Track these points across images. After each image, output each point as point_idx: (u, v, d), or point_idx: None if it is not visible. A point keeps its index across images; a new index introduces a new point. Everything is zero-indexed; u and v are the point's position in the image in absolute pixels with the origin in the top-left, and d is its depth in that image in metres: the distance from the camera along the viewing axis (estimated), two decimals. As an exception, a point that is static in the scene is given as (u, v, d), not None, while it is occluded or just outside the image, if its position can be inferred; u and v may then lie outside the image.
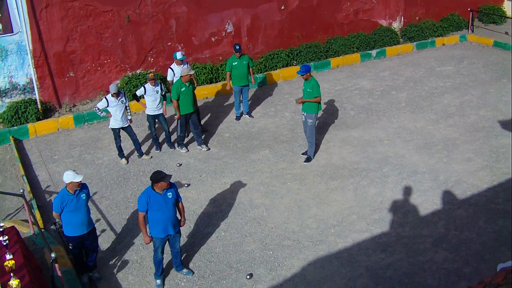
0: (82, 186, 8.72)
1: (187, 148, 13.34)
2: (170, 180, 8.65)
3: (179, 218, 9.00)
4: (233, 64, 14.35)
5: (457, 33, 21.63)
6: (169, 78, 13.75)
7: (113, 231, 10.42)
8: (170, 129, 13.70)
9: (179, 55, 13.64)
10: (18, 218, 10.89)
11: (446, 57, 19.34)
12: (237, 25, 17.61)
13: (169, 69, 13.75)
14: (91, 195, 11.42)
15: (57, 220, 8.95)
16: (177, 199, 8.76)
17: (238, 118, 15.01)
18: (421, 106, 15.18)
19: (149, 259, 9.47)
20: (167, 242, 8.87)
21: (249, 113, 15.17)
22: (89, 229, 8.82)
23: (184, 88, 12.59)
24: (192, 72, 12.70)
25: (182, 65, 13.61)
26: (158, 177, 8.35)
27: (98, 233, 10.16)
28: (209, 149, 13.41)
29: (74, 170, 8.69)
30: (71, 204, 8.48)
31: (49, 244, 9.25)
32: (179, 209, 8.95)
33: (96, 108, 12.30)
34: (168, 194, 8.54)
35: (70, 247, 8.85)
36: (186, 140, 13.60)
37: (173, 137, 13.71)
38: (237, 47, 14.21)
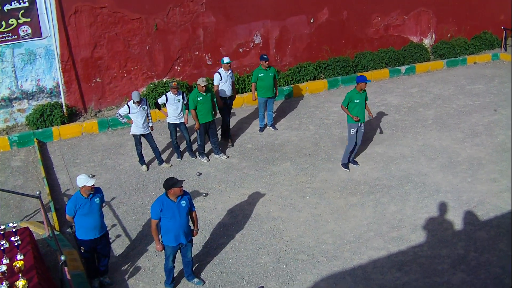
0: (96, 191, 8.74)
1: (208, 157, 13.30)
2: (188, 190, 8.64)
3: (192, 227, 8.95)
4: (259, 75, 14.29)
5: (489, 51, 21.26)
6: (215, 82, 13.74)
7: (128, 237, 10.40)
8: (191, 138, 13.67)
9: (226, 59, 13.74)
10: (36, 219, 10.98)
11: (477, 76, 18.99)
12: (265, 37, 17.58)
13: (216, 73, 13.77)
14: (109, 200, 11.51)
15: (73, 223, 8.97)
16: (191, 208, 8.71)
17: (261, 129, 14.94)
18: (448, 124, 14.90)
19: (161, 267, 9.41)
20: (179, 250, 8.81)
21: (273, 125, 15.08)
22: (101, 234, 8.81)
23: (201, 97, 12.57)
24: (207, 83, 12.65)
25: (228, 70, 13.71)
26: (170, 183, 8.31)
27: (112, 238, 10.22)
28: (228, 156, 13.39)
29: (89, 174, 8.71)
30: (84, 207, 8.50)
31: (63, 247, 9.30)
32: (192, 218, 8.89)
33: (118, 114, 12.36)
34: (182, 202, 8.49)
35: (82, 251, 8.85)
36: (207, 149, 13.56)
37: (195, 146, 13.67)
38: (265, 57, 14.16)
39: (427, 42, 20.70)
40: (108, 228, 9.57)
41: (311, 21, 18.17)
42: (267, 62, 14.14)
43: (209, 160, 13.27)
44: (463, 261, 9.44)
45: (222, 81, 13.69)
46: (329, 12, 18.37)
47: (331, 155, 13.35)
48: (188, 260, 8.96)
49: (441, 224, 10.49)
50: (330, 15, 18.42)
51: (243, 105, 16.69)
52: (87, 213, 8.56)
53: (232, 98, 14.20)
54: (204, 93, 12.59)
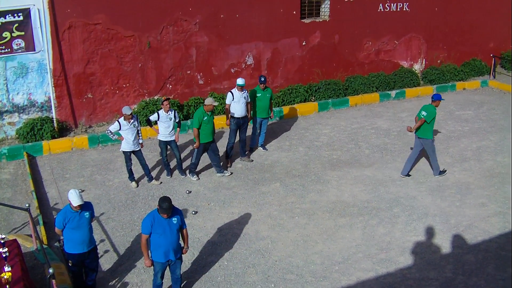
0: (87, 206, 8.69)
1: (198, 176, 13.30)
2: (178, 207, 8.63)
3: (182, 244, 8.91)
4: (257, 95, 14.37)
5: (478, 78, 21.56)
6: (227, 102, 13.79)
7: (116, 253, 10.34)
8: (182, 156, 13.67)
9: (240, 81, 13.77)
10: (24, 232, 10.90)
11: (466, 102, 19.22)
12: (257, 58, 17.72)
13: (229, 92, 13.83)
14: (98, 215, 11.46)
15: (61, 237, 8.91)
16: (182, 225, 8.67)
17: (252, 149, 14.96)
18: (437, 149, 14.98)
19: (149, 283, 9.36)
20: (168, 267, 8.77)
21: (263, 146, 15.13)
22: (90, 248, 8.77)
23: (206, 117, 12.61)
24: (216, 103, 12.71)
25: (242, 91, 13.77)
26: (160, 203, 8.17)
27: (101, 254, 10.15)
28: (231, 173, 13.52)
29: (80, 192, 8.63)
30: (73, 221, 8.46)
31: (51, 261, 9.21)
32: (183, 236, 8.85)
33: (108, 131, 12.37)
34: (173, 219, 8.45)
35: (70, 265, 8.78)
36: (198, 168, 13.56)
37: (185, 164, 13.68)
38: (262, 79, 14.24)
39: (417, 67, 20.96)
40: (96, 243, 9.50)
41: (303, 43, 18.34)
42: (263, 84, 14.23)
43: (199, 178, 13.27)
44: (451, 284, 9.46)
45: (235, 101, 13.75)
46: (321, 35, 18.58)
47: (321, 177, 13.40)
48: (177, 277, 8.92)
49: (429, 247, 10.53)
50: (322, 38, 18.63)
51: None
52: (76, 227, 8.51)
53: (246, 118, 14.21)
54: (209, 113, 12.63)
